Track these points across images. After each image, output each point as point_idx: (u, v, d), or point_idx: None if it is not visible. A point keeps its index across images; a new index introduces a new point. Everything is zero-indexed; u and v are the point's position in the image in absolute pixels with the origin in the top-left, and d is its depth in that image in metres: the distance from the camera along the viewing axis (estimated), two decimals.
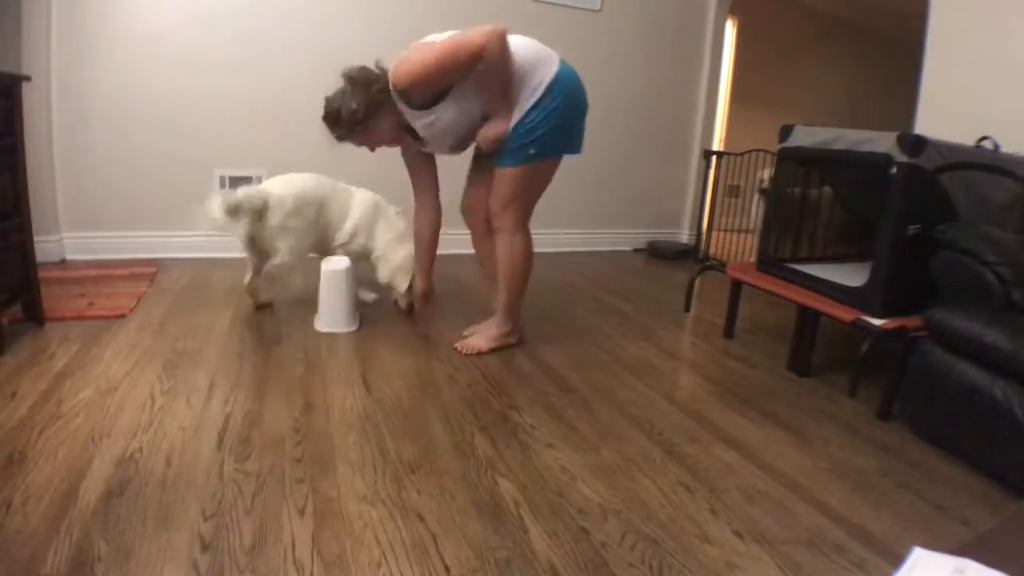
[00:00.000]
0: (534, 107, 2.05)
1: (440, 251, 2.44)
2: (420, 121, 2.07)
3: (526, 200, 2.21)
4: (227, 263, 3.28)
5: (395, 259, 2.55)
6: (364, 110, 2.04)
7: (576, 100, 2.18)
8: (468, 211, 2.37)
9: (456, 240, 2.78)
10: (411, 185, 2.33)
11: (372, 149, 2.19)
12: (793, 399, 2.09)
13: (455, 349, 2.28)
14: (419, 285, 2.44)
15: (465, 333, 2.40)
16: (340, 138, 2.12)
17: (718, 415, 1.93)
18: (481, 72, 1.97)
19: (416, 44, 2.03)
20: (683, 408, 1.97)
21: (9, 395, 1.71)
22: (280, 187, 2.41)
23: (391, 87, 2.02)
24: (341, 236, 2.57)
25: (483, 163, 2.27)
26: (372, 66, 2.10)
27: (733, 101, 5.54)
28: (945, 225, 1.92)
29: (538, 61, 2.07)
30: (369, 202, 2.61)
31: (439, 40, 1.99)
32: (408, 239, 2.51)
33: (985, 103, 2.59)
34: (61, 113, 3.04)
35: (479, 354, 2.25)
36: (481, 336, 2.33)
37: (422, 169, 2.29)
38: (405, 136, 2.18)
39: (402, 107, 2.05)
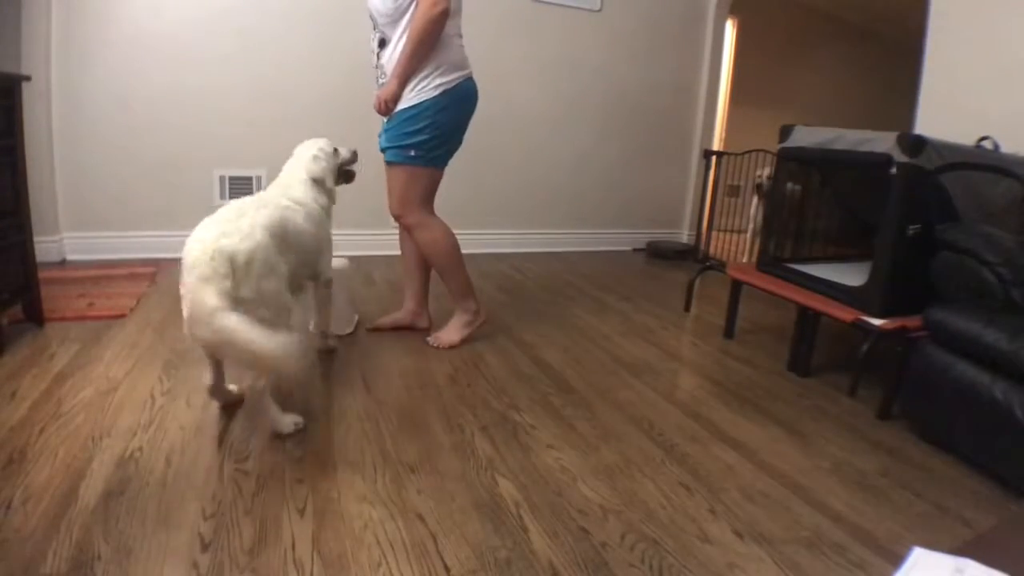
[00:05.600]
0: (428, 102, 2.09)
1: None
2: None
3: (418, 198, 2.23)
4: None
5: None
6: None
7: (464, 117, 2.22)
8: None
9: None
10: None
11: None
12: (793, 399, 2.09)
13: (428, 343, 2.32)
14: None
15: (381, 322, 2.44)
16: None
17: (718, 415, 1.93)
18: (411, 18, 2.02)
19: None
20: (683, 408, 1.97)
21: (9, 395, 1.71)
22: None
23: None
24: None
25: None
26: None
27: (733, 101, 5.54)
28: (945, 225, 1.92)
29: (451, 62, 2.11)
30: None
31: None
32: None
33: (985, 103, 2.58)
34: (61, 113, 3.04)
35: (452, 347, 2.30)
36: (450, 329, 2.36)
37: None
38: None
39: None
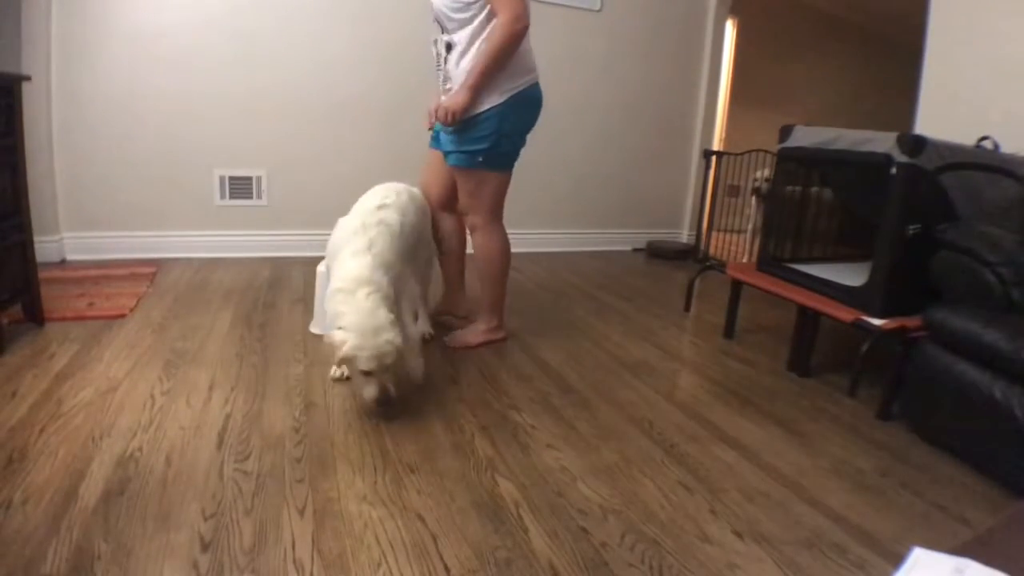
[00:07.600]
0: (495, 109, 2.06)
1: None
2: None
3: (487, 201, 2.22)
4: (227, 263, 3.28)
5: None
6: None
7: (530, 121, 2.21)
8: (422, 188, 2.37)
9: None
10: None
11: None
12: (793, 399, 2.09)
13: (445, 343, 2.33)
14: None
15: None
16: None
17: (718, 415, 1.93)
18: (487, 29, 1.98)
19: None
20: (683, 408, 1.97)
21: (9, 395, 1.71)
22: None
23: None
24: None
25: (437, 145, 2.30)
26: None
27: (733, 101, 5.54)
28: (945, 225, 1.92)
29: (520, 66, 2.08)
30: None
31: None
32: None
33: (985, 103, 2.58)
34: (61, 113, 3.04)
35: (467, 348, 2.31)
36: (469, 331, 2.38)
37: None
38: None
39: None
